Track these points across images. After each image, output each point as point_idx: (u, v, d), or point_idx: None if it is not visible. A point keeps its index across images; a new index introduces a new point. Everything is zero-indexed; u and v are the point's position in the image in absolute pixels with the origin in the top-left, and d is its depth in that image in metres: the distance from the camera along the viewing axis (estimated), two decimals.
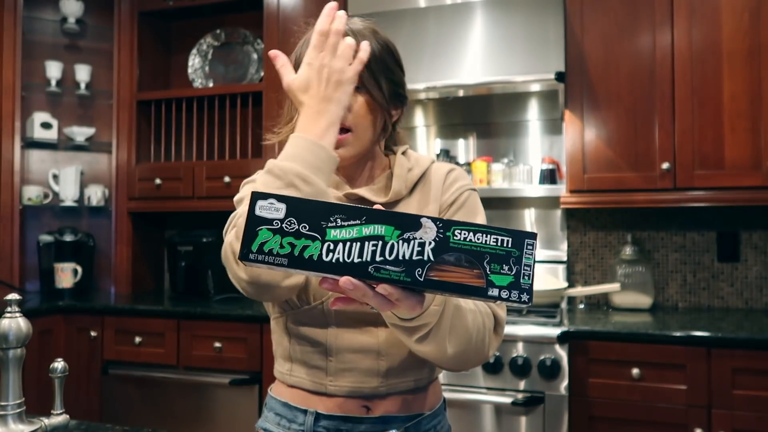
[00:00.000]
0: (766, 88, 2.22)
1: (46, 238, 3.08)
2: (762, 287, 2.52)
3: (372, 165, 1.11)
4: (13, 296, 0.95)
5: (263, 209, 0.70)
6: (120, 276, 3.15)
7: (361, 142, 1.03)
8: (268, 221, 0.69)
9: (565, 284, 2.52)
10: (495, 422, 2.13)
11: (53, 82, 3.16)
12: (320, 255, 0.69)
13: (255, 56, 3.18)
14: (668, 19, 2.33)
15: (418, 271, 0.68)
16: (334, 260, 0.69)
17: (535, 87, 2.46)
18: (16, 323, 0.94)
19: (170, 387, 2.62)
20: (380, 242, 0.69)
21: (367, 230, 0.69)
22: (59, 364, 0.98)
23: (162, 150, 3.16)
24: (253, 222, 0.69)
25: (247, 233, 0.69)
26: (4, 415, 0.93)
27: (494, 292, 0.68)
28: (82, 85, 3.22)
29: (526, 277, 0.68)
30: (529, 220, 2.79)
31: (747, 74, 2.24)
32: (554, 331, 2.10)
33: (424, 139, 2.97)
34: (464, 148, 2.91)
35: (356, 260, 0.69)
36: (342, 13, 0.93)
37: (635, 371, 2.05)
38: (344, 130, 1.00)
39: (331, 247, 0.69)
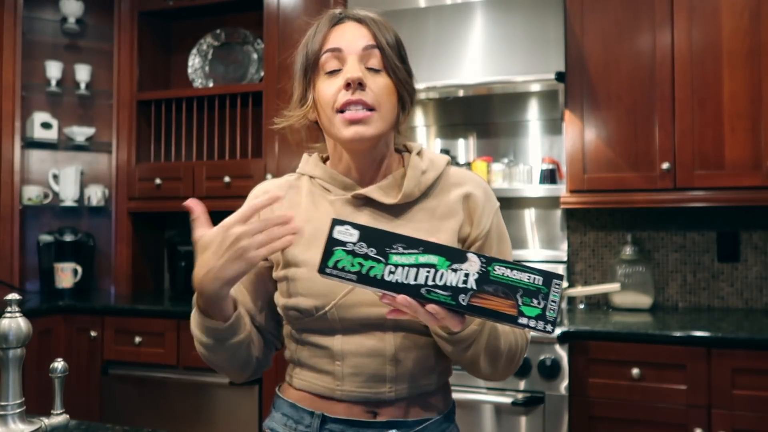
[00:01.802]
0: (766, 88, 2.22)
1: (46, 238, 3.08)
2: (762, 287, 2.52)
3: (384, 163, 1.08)
4: (13, 296, 0.95)
5: (340, 233, 0.85)
6: (120, 276, 3.15)
7: (384, 122, 1.01)
8: (343, 243, 0.85)
9: (566, 284, 2.52)
10: (495, 422, 2.13)
11: (53, 82, 3.16)
12: (383, 275, 0.84)
13: (255, 56, 3.18)
14: (668, 19, 2.33)
15: (462, 296, 0.84)
16: (394, 281, 0.84)
17: (535, 87, 2.46)
18: (16, 323, 0.94)
19: (170, 387, 2.62)
20: (432, 270, 0.84)
21: (423, 258, 0.84)
22: (59, 364, 0.98)
23: (162, 150, 3.16)
24: (331, 243, 0.85)
25: (325, 252, 0.85)
26: (4, 415, 0.93)
27: (524, 320, 0.83)
28: (82, 85, 3.22)
29: (552, 311, 0.83)
30: (529, 220, 2.79)
31: (747, 74, 2.24)
32: (554, 331, 2.10)
33: (424, 139, 2.97)
34: (464, 148, 2.91)
35: (412, 282, 0.84)
36: (283, 204, 0.93)
37: (635, 371, 2.05)
38: (369, 108, 0.99)
39: (393, 269, 0.84)
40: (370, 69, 1.00)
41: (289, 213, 0.90)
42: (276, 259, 1.07)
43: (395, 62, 1.02)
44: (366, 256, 0.84)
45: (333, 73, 1.01)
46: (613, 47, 2.40)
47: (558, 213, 2.75)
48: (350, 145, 1.03)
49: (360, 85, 0.98)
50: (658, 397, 2.03)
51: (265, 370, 1.14)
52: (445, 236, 1.03)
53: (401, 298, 0.83)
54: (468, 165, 2.75)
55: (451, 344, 0.96)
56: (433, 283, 0.84)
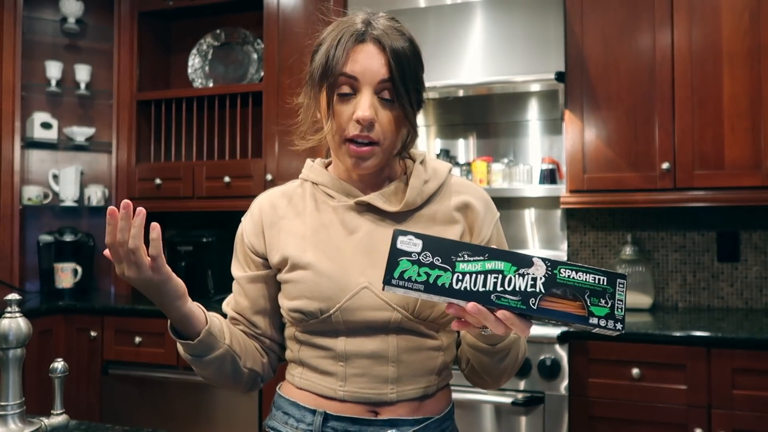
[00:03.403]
0: (766, 88, 2.22)
1: (46, 238, 3.08)
2: (762, 287, 2.52)
3: (386, 170, 1.10)
4: (13, 296, 0.95)
5: (403, 243, 0.84)
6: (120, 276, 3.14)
7: (385, 155, 1.04)
8: (408, 253, 0.84)
9: None
10: (495, 422, 2.13)
11: (53, 82, 3.16)
12: (451, 284, 0.83)
13: (255, 56, 3.18)
14: (668, 19, 2.33)
15: (532, 300, 0.83)
16: (462, 288, 0.83)
17: (535, 87, 2.46)
18: (16, 323, 0.94)
19: (170, 387, 2.62)
20: (500, 275, 0.83)
21: (489, 265, 0.84)
22: (59, 364, 0.98)
23: (162, 150, 3.16)
24: (395, 254, 0.84)
25: (389, 263, 0.84)
26: (4, 415, 0.93)
27: (594, 320, 0.83)
28: (82, 85, 3.22)
29: (620, 309, 0.84)
30: (529, 220, 2.79)
31: (747, 74, 2.24)
32: (554, 331, 2.10)
33: (424, 139, 2.97)
34: (464, 148, 2.91)
35: (481, 289, 0.83)
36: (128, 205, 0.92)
37: (635, 371, 2.05)
38: (372, 142, 1.00)
39: (460, 277, 0.83)
40: (382, 99, 1.01)
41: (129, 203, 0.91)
42: (281, 262, 1.07)
43: (407, 94, 1.02)
44: (432, 265, 0.84)
45: (345, 96, 1.01)
46: (613, 47, 2.40)
47: (558, 213, 2.75)
48: (352, 172, 1.07)
49: (371, 124, 0.99)
50: (658, 397, 2.03)
51: (268, 381, 1.14)
52: None
53: (471, 305, 0.82)
54: (468, 165, 2.75)
55: (491, 355, 0.99)
56: (502, 288, 0.83)
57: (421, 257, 0.84)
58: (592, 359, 2.11)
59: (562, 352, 2.10)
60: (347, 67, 1.00)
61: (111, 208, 0.89)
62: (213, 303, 2.72)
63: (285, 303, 1.07)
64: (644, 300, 2.53)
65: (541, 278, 0.83)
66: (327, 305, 1.01)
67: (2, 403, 0.93)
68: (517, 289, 0.83)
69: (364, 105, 0.99)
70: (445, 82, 2.43)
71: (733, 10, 2.26)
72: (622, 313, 0.83)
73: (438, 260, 0.84)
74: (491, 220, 1.10)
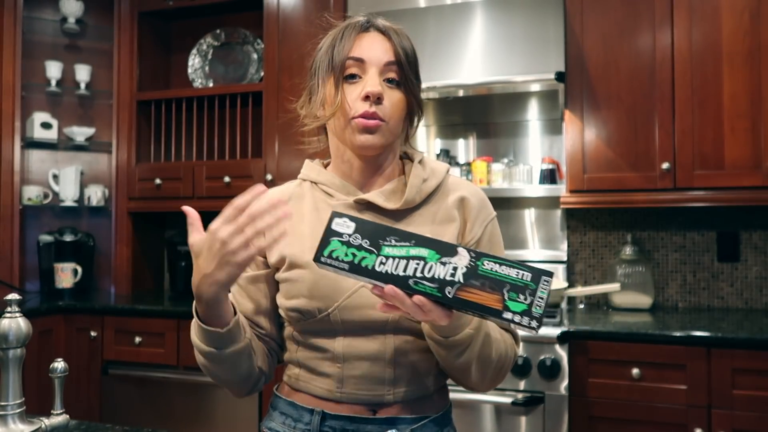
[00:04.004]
0: (766, 88, 2.22)
1: (46, 238, 3.08)
2: (762, 287, 2.52)
3: (386, 168, 1.11)
4: (13, 296, 0.95)
5: (338, 225, 0.87)
6: (120, 276, 3.15)
7: (392, 134, 1.05)
8: (339, 234, 0.86)
9: (565, 284, 2.53)
10: (495, 422, 2.13)
11: (53, 82, 3.16)
12: (374, 266, 0.85)
13: (255, 56, 3.18)
14: (668, 19, 2.33)
15: (449, 289, 0.83)
16: (384, 271, 0.84)
17: (535, 87, 2.46)
18: (16, 323, 0.94)
19: (170, 387, 2.62)
20: (422, 262, 0.84)
21: (414, 251, 0.85)
22: (59, 364, 0.98)
23: (162, 150, 3.16)
24: (329, 233, 0.87)
25: (322, 242, 0.86)
26: (4, 415, 0.93)
27: (508, 315, 0.82)
28: (82, 85, 3.22)
29: (538, 308, 0.81)
30: (529, 220, 2.79)
31: (747, 74, 2.24)
32: (554, 331, 2.10)
33: (424, 139, 2.97)
34: (464, 148, 2.91)
35: (401, 273, 0.84)
36: (267, 195, 0.89)
37: (635, 371, 2.05)
38: (379, 119, 1.02)
39: (383, 261, 0.85)
40: (387, 81, 1.04)
41: (282, 200, 0.89)
42: (279, 261, 1.07)
43: (412, 78, 1.06)
44: (360, 247, 0.85)
45: (352, 78, 1.04)
46: (613, 47, 2.40)
47: (558, 213, 2.75)
48: (359, 150, 1.06)
49: (378, 99, 1.02)
50: (658, 397, 2.03)
51: (267, 382, 1.14)
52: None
53: (389, 288, 0.83)
54: (468, 165, 2.75)
55: (445, 348, 0.96)
56: (421, 275, 0.84)
57: (351, 239, 0.86)
58: (592, 359, 2.11)
59: (562, 352, 2.10)
60: (354, 52, 1.04)
61: (245, 200, 0.87)
62: None
63: (283, 302, 1.07)
64: (644, 300, 2.53)
65: (462, 268, 0.83)
66: (325, 304, 1.01)
67: (2, 403, 0.93)
68: (436, 276, 0.83)
69: (374, 81, 1.02)
70: (445, 82, 2.43)
71: (733, 10, 2.26)
72: (540, 311, 0.81)
73: (366, 243, 0.85)
74: (484, 219, 1.10)
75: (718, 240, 2.57)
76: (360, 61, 1.03)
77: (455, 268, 0.83)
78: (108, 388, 2.72)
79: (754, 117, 2.23)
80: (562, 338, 2.09)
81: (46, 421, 0.97)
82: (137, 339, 2.66)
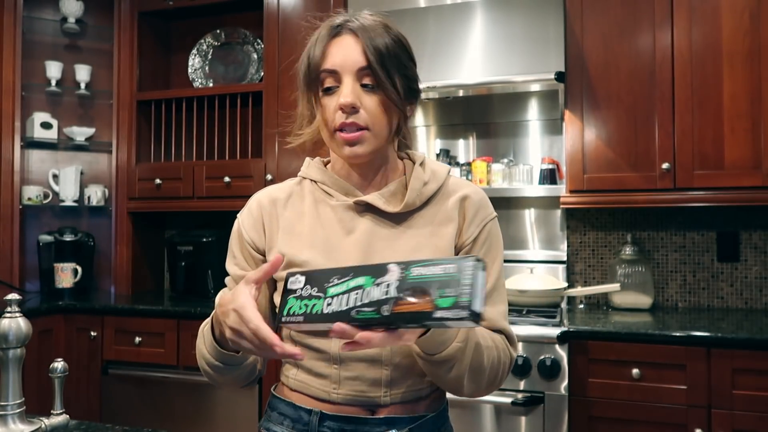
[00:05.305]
0: (766, 88, 2.22)
1: (46, 238, 3.08)
2: (762, 287, 2.52)
3: (385, 169, 1.10)
4: (13, 296, 0.95)
5: (291, 283, 0.89)
6: (120, 276, 3.15)
7: (377, 140, 1.03)
8: (294, 291, 0.88)
9: (565, 284, 2.52)
10: (495, 422, 2.13)
11: (53, 82, 3.16)
12: (322, 309, 0.84)
13: (255, 56, 3.18)
14: (668, 20, 2.33)
15: (385, 308, 0.80)
16: (331, 311, 0.83)
17: (535, 87, 2.46)
18: (16, 323, 0.94)
19: (170, 387, 2.62)
20: (361, 290, 0.82)
21: (353, 283, 0.83)
22: (59, 364, 0.98)
23: (162, 150, 3.16)
24: (286, 294, 0.89)
25: (281, 303, 0.89)
26: (4, 415, 0.93)
27: (438, 314, 0.76)
28: (82, 85, 3.22)
29: (465, 296, 0.75)
30: (528, 220, 2.79)
31: (747, 74, 2.24)
32: (554, 331, 2.10)
33: (424, 139, 2.97)
34: (464, 148, 2.91)
35: (344, 308, 0.82)
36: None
37: (635, 371, 2.05)
38: (361, 128, 1.01)
39: (330, 302, 0.84)
40: (365, 86, 1.01)
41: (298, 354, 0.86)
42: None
43: (390, 75, 1.01)
44: (309, 297, 0.86)
45: (330, 90, 1.03)
46: (613, 47, 2.40)
47: (558, 213, 2.75)
48: (348, 161, 1.07)
49: (353, 108, 1.00)
50: (658, 397, 2.03)
51: (261, 376, 1.15)
52: (444, 242, 1.06)
53: (336, 326, 0.80)
54: (468, 165, 2.75)
55: (433, 365, 0.94)
56: (360, 303, 0.81)
57: (302, 292, 0.87)
58: (592, 359, 2.11)
59: (562, 352, 2.10)
60: (326, 63, 1.02)
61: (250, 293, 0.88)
62: (213, 303, 2.72)
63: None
64: (644, 300, 2.53)
65: (394, 283, 0.80)
66: None
67: (2, 403, 0.93)
68: (373, 299, 0.80)
69: (345, 92, 1.00)
70: (445, 82, 2.43)
71: (733, 10, 2.26)
72: (468, 299, 0.74)
73: (315, 291, 0.86)
74: (482, 219, 1.09)
75: (718, 240, 2.57)
76: (333, 73, 1.01)
77: (388, 285, 0.80)
78: (108, 388, 2.72)
79: (754, 117, 2.23)
80: (562, 338, 2.09)
81: (46, 421, 0.97)
82: (137, 339, 2.66)
